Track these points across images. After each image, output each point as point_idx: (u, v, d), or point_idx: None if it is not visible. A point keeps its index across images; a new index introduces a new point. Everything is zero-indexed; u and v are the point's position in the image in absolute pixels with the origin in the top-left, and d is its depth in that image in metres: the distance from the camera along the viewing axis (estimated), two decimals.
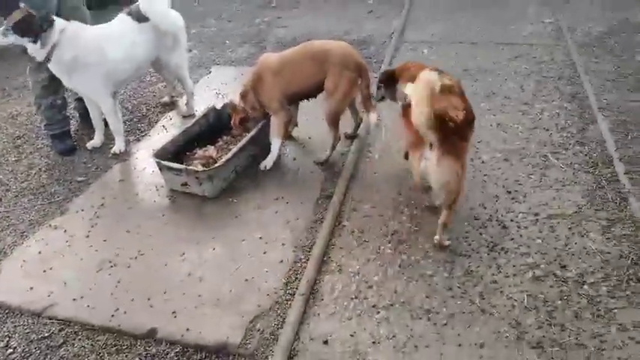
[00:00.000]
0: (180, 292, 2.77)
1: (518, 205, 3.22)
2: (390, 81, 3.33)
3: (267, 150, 3.79)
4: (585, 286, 2.65)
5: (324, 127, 3.71)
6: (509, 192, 3.33)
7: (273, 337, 2.49)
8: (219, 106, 4.14)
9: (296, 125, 4.12)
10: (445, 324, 2.50)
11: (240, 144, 3.62)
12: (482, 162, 3.64)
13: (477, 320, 2.51)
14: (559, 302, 2.57)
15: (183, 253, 3.03)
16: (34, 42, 3.52)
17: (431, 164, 2.68)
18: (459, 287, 2.69)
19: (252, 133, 3.74)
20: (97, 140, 4.14)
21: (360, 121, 3.98)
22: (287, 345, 2.43)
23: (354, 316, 2.58)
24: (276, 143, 3.77)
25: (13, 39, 3.51)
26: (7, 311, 2.74)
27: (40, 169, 3.94)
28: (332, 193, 3.42)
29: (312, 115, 4.07)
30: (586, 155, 3.64)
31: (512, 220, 3.10)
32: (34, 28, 3.47)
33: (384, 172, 3.60)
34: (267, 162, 3.76)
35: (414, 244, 2.98)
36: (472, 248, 2.92)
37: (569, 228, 3.02)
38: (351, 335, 2.48)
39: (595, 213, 3.12)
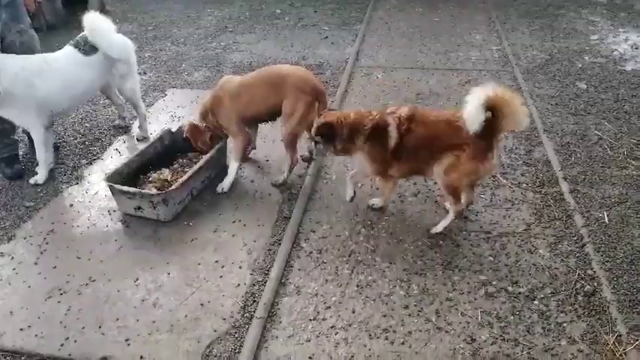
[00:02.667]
0: (134, 319, 2.70)
1: (471, 223, 3.33)
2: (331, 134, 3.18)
3: (223, 172, 3.77)
4: (536, 301, 2.75)
5: (281, 150, 3.74)
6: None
7: None
8: (174, 128, 4.11)
9: (254, 147, 4.13)
10: (402, 342, 2.53)
11: (196, 166, 3.60)
12: (435, 182, 3.75)
13: (433, 337, 2.55)
14: (511, 317, 2.65)
15: (137, 279, 2.96)
16: None
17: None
18: (415, 305, 2.74)
19: (208, 155, 3.73)
20: (41, 175, 3.95)
21: None
22: None
23: (312, 338, 2.57)
24: (233, 165, 3.76)
25: None
26: None
27: None
28: (290, 214, 3.43)
29: (269, 138, 4.09)
30: (533, 175, 3.81)
31: (464, 239, 3.19)
32: None
33: (341, 194, 3.65)
34: (225, 184, 3.74)
35: (371, 264, 3.02)
36: (427, 267, 2.99)
37: (519, 245, 3.14)
38: (310, 357, 2.48)
39: (543, 230, 3.26)
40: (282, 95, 3.54)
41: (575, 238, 3.18)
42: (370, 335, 2.57)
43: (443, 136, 2.96)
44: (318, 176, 3.88)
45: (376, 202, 3.49)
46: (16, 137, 4.11)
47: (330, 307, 2.74)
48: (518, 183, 3.73)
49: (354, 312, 2.71)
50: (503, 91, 2.73)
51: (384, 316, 2.68)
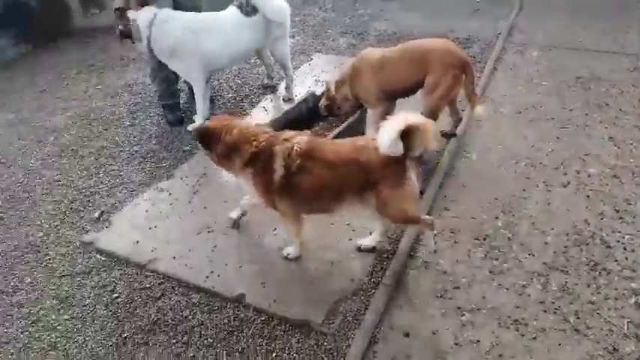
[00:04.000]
0: (270, 265, 2.89)
1: (626, 225, 3.02)
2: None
3: None
4: None
5: None
6: (617, 211, 3.13)
7: (355, 321, 2.53)
8: (318, 92, 4.22)
9: None
10: (534, 338, 2.41)
11: (336, 130, 3.68)
12: (589, 176, 3.45)
13: (569, 339, 2.40)
14: None
15: (275, 229, 3.14)
16: (133, 43, 3.86)
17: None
18: (552, 302, 2.58)
19: (349, 121, 3.79)
20: (198, 123, 4.32)
21: (459, 119, 3.90)
22: (368, 330, 2.46)
23: (437, 314, 2.55)
24: (370, 134, 3.79)
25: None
26: (115, 260, 3.00)
27: (150, 135, 4.24)
28: (424, 189, 3.39)
29: (408, 109, 4.02)
30: None
31: (618, 241, 2.91)
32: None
33: (481, 174, 3.51)
34: None
35: (507, 252, 2.89)
36: (570, 264, 2.79)
37: None
38: (433, 333, 2.47)
39: None
40: (425, 70, 3.46)
41: None
42: (500, 324, 2.48)
43: (351, 178, 2.54)
44: (458, 154, 3.76)
45: (290, 251, 2.92)
46: (178, 87, 4.52)
47: (458, 288, 2.69)
48: None
49: (484, 297, 2.63)
50: (416, 119, 2.41)
51: (517, 307, 2.56)
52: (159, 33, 3.80)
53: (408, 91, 3.65)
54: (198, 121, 4.24)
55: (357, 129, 3.88)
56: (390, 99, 3.79)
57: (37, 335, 2.57)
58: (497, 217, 3.14)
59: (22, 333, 2.59)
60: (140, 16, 3.79)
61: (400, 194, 2.57)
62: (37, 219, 3.37)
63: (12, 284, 2.88)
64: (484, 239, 2.99)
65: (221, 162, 2.80)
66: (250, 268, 2.88)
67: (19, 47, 6.03)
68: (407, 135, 2.40)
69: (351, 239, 3.04)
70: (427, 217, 2.83)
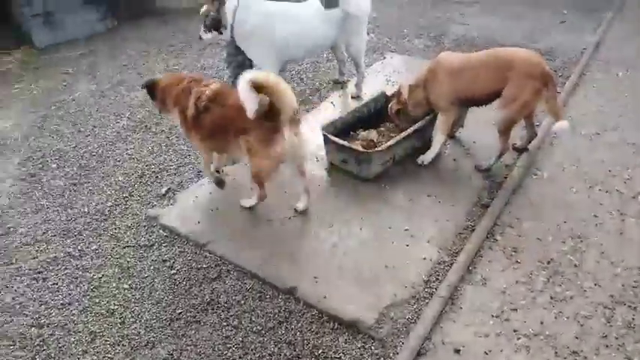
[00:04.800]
0: (324, 260, 2.89)
1: None
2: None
3: (428, 145, 3.74)
4: None
5: (491, 133, 3.55)
6: None
7: (405, 329, 2.50)
8: (388, 92, 4.17)
9: (462, 126, 4.01)
10: None
11: (403, 133, 3.63)
12: None
13: None
14: None
15: (332, 225, 3.15)
16: (221, 33, 3.94)
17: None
18: (616, 338, 2.44)
19: (417, 125, 3.72)
20: None
21: (533, 134, 3.74)
22: (418, 341, 2.42)
23: (492, 334, 2.47)
24: (438, 140, 3.71)
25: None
26: (176, 237, 3.10)
27: None
28: (489, 202, 3.29)
29: (481, 119, 3.91)
30: None
31: None
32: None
33: (551, 195, 3.36)
34: (426, 157, 3.72)
35: (572, 280, 2.75)
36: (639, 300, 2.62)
37: None
38: (486, 353, 2.39)
39: None
40: (505, 80, 3.33)
41: None
42: (557, 353, 2.37)
43: (232, 120, 2.92)
44: (528, 171, 3.62)
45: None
46: None
47: (516, 310, 2.59)
48: None
49: (542, 323, 2.52)
50: (267, 76, 2.70)
51: (577, 338, 2.44)
52: (241, 19, 3.87)
53: (485, 99, 3.54)
54: None
55: (424, 134, 3.82)
56: (463, 106, 3.69)
57: (97, 300, 2.71)
58: (564, 242, 2.99)
59: (84, 296, 2.73)
60: (226, 3, 3.86)
61: (263, 151, 2.92)
62: (107, 189, 3.54)
63: (79, 248, 3.04)
64: (548, 263, 2.86)
65: (160, 107, 3.31)
66: (304, 261, 2.90)
67: (105, 22, 6.33)
68: (260, 91, 2.69)
69: (408, 245, 3.00)
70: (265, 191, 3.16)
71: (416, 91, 3.70)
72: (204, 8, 3.87)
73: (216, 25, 3.89)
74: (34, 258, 2.96)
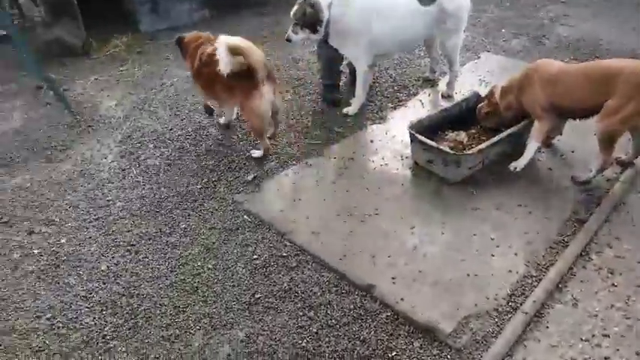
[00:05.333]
0: (403, 261, 2.85)
1: None
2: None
3: (521, 151, 3.55)
4: None
5: (592, 144, 3.31)
6: None
7: (485, 342, 2.40)
8: (482, 93, 4.01)
9: (560, 134, 3.77)
10: None
11: (496, 137, 3.48)
12: None
13: None
14: None
15: (414, 227, 3.08)
16: (315, 32, 3.90)
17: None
18: None
19: (511, 130, 3.55)
20: (353, 107, 4.34)
21: None
22: (498, 357, 2.31)
23: (579, 359, 2.31)
24: (532, 146, 3.51)
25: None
26: (259, 223, 3.18)
27: (307, 111, 4.40)
28: (586, 218, 3.07)
29: (580, 126, 3.65)
30: None
31: None
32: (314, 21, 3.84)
33: None
34: (519, 163, 3.53)
35: None
36: None
37: None
38: None
39: None
40: (608, 93, 3.09)
41: None
42: None
43: (220, 77, 3.34)
44: (632, 187, 3.33)
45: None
46: (341, 68, 4.60)
47: (608, 336, 2.40)
48: None
49: (637, 354, 2.32)
50: (241, 41, 3.29)
51: None
52: (336, 15, 3.87)
53: (582, 113, 3.33)
54: (355, 105, 4.29)
55: (518, 140, 3.63)
56: (559, 116, 3.47)
57: (182, 277, 2.84)
58: None
59: (171, 272, 2.87)
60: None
61: (249, 105, 3.49)
62: (199, 171, 3.70)
63: (170, 226, 3.20)
64: None
65: (183, 58, 3.94)
66: (383, 260, 2.86)
67: (203, 11, 6.59)
68: (235, 54, 3.26)
69: (493, 255, 2.87)
70: (268, 143, 3.78)
71: (508, 94, 3.53)
72: (296, 7, 3.88)
73: (313, 23, 3.87)
74: (129, 231, 3.16)
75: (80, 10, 5.63)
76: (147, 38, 6.07)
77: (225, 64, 3.26)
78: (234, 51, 3.24)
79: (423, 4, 4.00)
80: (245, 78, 3.35)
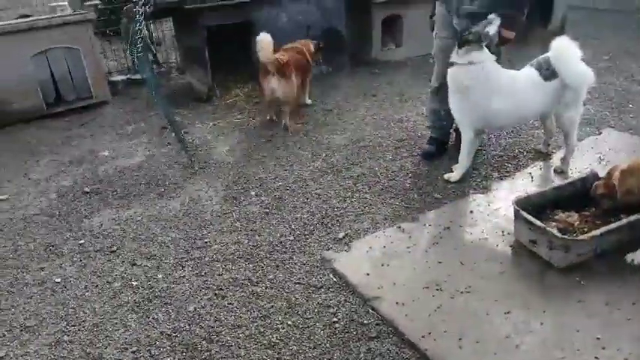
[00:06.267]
0: (493, 350, 2.62)
1: None
2: None
3: (639, 239, 3.17)
4: None
5: None
6: None
7: None
8: (601, 172, 3.69)
9: None
10: None
11: (615, 224, 3.16)
12: None
13: None
14: None
15: (509, 312, 2.85)
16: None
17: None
18: None
19: (634, 217, 3.20)
20: (456, 174, 4.21)
21: None
22: None
23: None
24: None
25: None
26: (344, 284, 3.14)
27: (407, 173, 4.35)
28: None
29: None
30: None
31: None
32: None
33: None
34: (637, 256, 3.14)
35: None
36: None
37: None
38: None
39: None
40: None
41: None
42: None
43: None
44: None
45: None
46: (446, 125, 4.52)
47: None
48: None
49: None
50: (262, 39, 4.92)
51: None
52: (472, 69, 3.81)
53: None
54: (458, 172, 4.16)
55: (638, 230, 3.26)
56: None
57: (262, 329, 2.85)
58: None
59: (252, 322, 2.90)
60: None
61: (261, 87, 5.27)
62: (293, 223, 3.77)
63: (257, 275, 3.26)
64: None
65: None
66: (470, 346, 2.65)
67: (322, 67, 6.89)
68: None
69: (597, 358, 2.55)
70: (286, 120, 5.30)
71: (630, 178, 3.20)
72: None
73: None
74: (220, 275, 3.27)
75: (211, 59, 6.17)
76: None
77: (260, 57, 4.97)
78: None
79: (545, 80, 3.85)
80: (264, 69, 5.05)
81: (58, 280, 3.33)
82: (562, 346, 2.62)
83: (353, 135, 5.13)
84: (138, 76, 6.74)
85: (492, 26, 3.68)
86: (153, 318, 2.97)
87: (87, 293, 3.20)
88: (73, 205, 4.18)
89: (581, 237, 3.11)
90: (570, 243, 3.08)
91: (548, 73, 3.81)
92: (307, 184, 4.28)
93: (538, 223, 3.20)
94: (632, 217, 3.20)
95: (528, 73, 3.92)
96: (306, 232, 3.65)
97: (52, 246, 3.68)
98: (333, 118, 5.57)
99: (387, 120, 5.39)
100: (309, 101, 6.00)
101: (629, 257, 3.18)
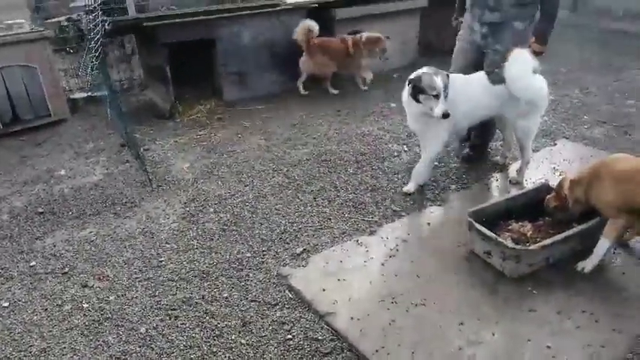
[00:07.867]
0: None
1: None
2: None
3: (591, 248, 3.24)
4: None
5: None
6: None
7: None
8: (552, 183, 3.77)
9: (638, 234, 3.42)
10: None
11: (564, 233, 3.23)
12: None
13: None
14: None
15: (462, 323, 2.86)
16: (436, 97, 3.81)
17: None
18: None
19: (584, 226, 3.28)
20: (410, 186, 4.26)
21: None
22: None
23: None
24: (602, 245, 3.18)
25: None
26: (299, 301, 3.11)
27: (367, 187, 4.36)
28: None
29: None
30: None
31: None
32: None
33: None
34: (587, 264, 3.22)
35: None
36: None
37: None
38: None
39: None
40: None
41: None
42: None
43: None
44: None
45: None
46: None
47: None
48: None
49: None
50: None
51: None
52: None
53: None
54: (412, 184, 4.20)
55: (589, 238, 3.33)
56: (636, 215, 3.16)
57: (214, 349, 2.80)
58: None
59: (204, 342, 2.84)
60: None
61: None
62: (251, 239, 3.74)
63: (212, 294, 3.21)
64: None
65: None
66: (423, 358, 2.65)
67: (284, 84, 6.91)
68: None
69: None
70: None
71: (577, 188, 3.27)
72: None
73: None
74: (173, 295, 3.21)
75: (174, 75, 6.13)
76: (229, 105, 6.46)
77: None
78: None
79: (493, 84, 3.95)
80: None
81: (6, 304, 3.23)
82: (512, 357, 2.65)
83: (315, 149, 5.13)
84: (99, 93, 6.64)
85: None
86: (103, 341, 2.89)
87: (35, 317, 3.10)
88: (26, 227, 4.06)
89: (532, 247, 3.16)
90: (522, 253, 3.14)
91: (497, 78, 3.92)
92: (267, 200, 4.25)
93: (490, 233, 3.25)
94: (583, 226, 3.28)
95: (480, 76, 4.06)
96: (263, 249, 3.62)
97: (2, 269, 3.56)
98: (297, 134, 5.57)
99: (348, 135, 5.42)
100: (364, 87, 6.68)
101: (579, 265, 3.24)
